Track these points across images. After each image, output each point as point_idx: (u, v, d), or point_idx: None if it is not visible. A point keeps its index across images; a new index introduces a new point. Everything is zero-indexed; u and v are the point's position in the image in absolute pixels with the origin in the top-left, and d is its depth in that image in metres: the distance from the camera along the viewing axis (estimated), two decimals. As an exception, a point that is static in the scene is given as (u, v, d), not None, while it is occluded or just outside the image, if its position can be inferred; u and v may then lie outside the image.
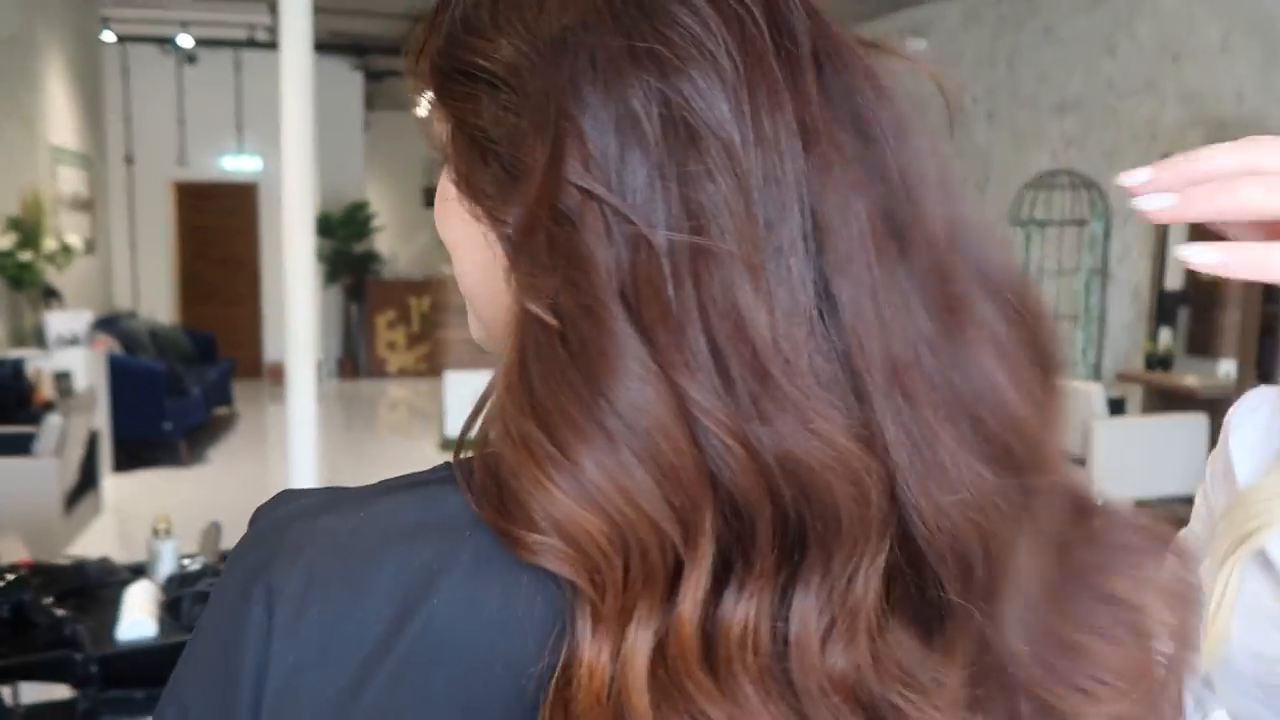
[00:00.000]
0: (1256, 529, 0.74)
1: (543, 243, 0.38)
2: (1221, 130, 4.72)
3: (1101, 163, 5.58)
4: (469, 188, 0.43)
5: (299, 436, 4.27)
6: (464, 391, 6.89)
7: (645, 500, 0.36)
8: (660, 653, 0.37)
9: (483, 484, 0.40)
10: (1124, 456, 4.26)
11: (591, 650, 0.37)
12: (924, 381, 0.38)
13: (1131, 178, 0.41)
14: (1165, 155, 3.83)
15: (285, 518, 0.42)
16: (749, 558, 0.37)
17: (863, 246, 0.38)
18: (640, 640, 0.37)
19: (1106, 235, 5.59)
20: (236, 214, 9.60)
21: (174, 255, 9.54)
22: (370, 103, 10.31)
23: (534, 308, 0.38)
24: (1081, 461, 4.37)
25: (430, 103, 0.45)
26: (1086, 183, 5.58)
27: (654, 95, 0.38)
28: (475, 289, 0.46)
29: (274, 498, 0.44)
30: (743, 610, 0.37)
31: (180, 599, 1.54)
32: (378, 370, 10.14)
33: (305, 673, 0.39)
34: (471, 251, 0.44)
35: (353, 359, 10.05)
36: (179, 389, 6.49)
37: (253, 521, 0.44)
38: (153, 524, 1.75)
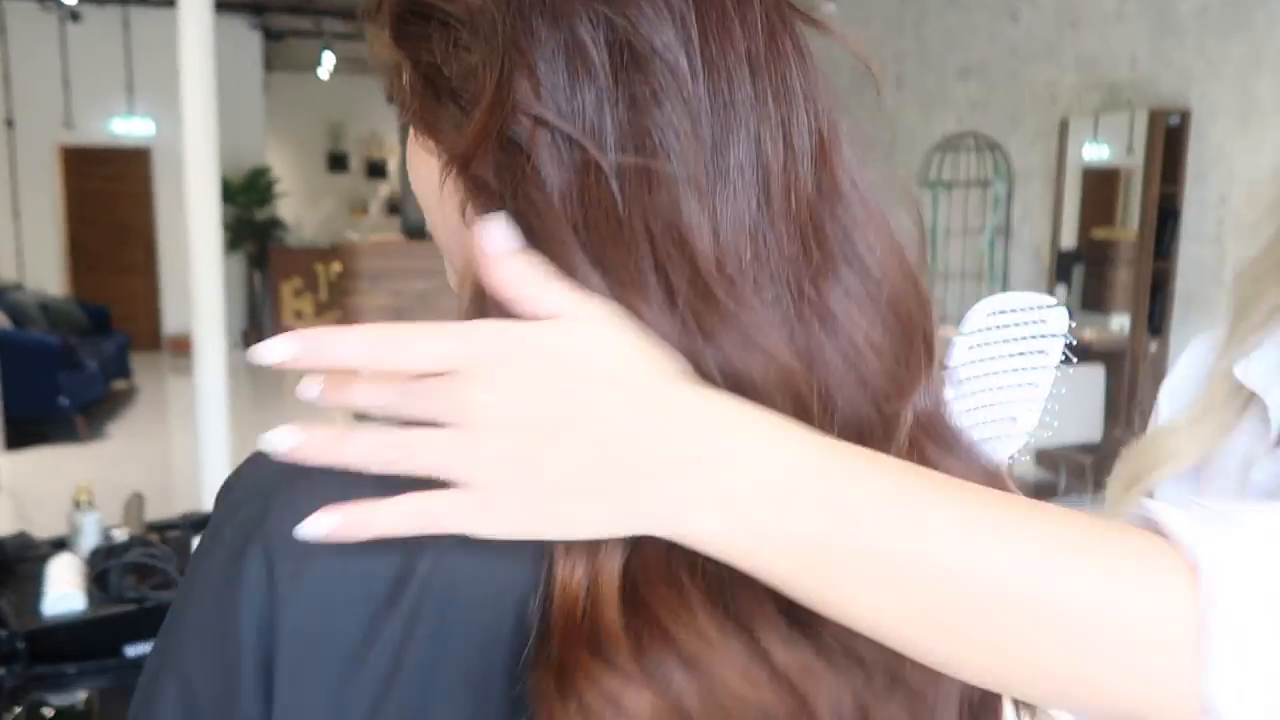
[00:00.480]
0: (1148, 469, 0.79)
1: (493, 173, 0.39)
2: (1115, 94, 4.91)
3: (1005, 126, 5.75)
4: (425, 127, 0.43)
5: (209, 410, 4.15)
6: (378, 360, 6.73)
7: None
8: (629, 569, 0.38)
9: None
10: (1028, 409, 4.43)
11: (565, 568, 0.38)
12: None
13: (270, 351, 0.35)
14: (1064, 119, 3.94)
15: (272, 474, 0.41)
16: None
17: (794, 180, 0.40)
18: (609, 556, 0.38)
19: (1009, 196, 5.78)
20: (129, 179, 9.18)
21: (62, 223, 9.08)
22: (269, 64, 9.93)
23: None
24: (988, 415, 4.54)
25: (389, 47, 0.45)
26: (990, 145, 5.74)
27: (600, 22, 0.38)
28: (443, 235, 0.45)
29: (249, 460, 0.43)
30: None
31: (108, 571, 1.49)
32: (285, 340, 9.88)
33: (316, 625, 0.38)
34: (437, 196, 0.44)
35: (258, 329, 9.76)
36: (74, 363, 6.21)
37: (230, 487, 0.43)
38: (73, 496, 1.68)
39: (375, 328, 0.36)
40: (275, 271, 9.74)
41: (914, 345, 0.43)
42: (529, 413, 0.34)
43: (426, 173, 0.44)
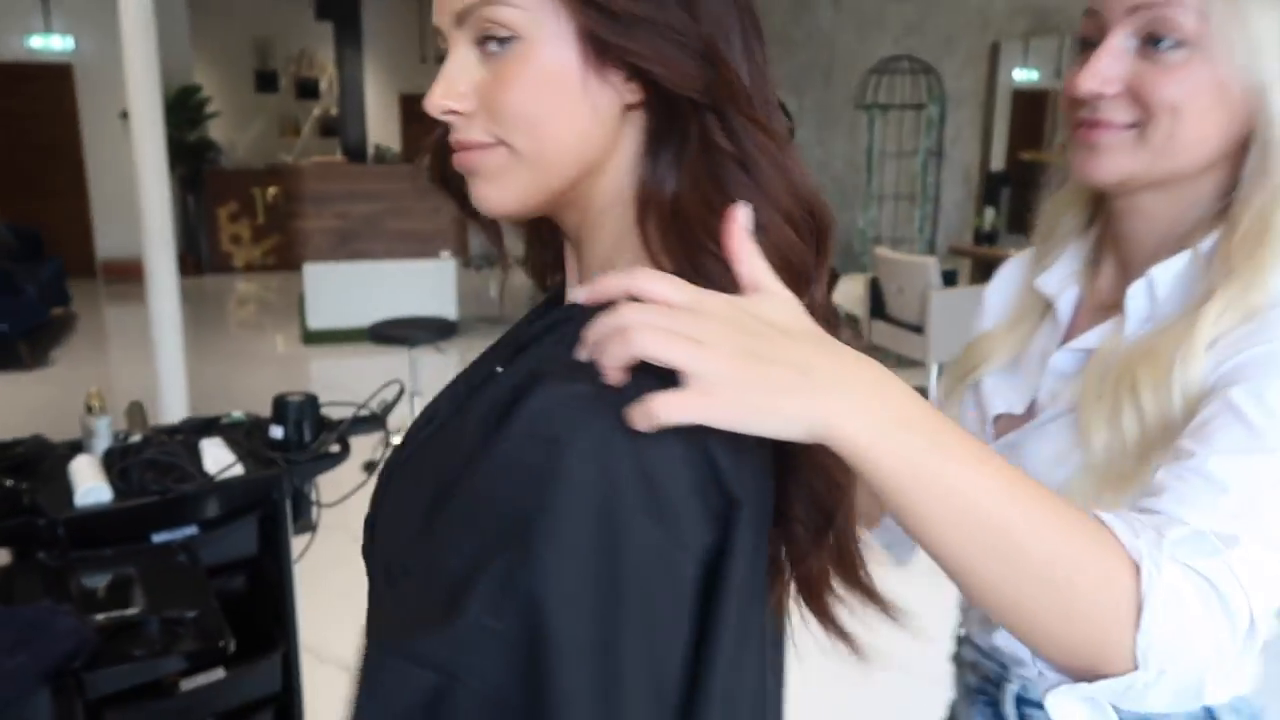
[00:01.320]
0: (975, 365, 0.98)
1: (700, 91, 0.59)
2: (1044, 18, 5.09)
3: (939, 49, 5.90)
4: (631, 50, 0.58)
5: (164, 334, 4.18)
6: (325, 284, 6.71)
7: (794, 237, 0.61)
8: None
9: None
10: (956, 323, 4.70)
11: None
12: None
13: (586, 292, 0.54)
14: (995, 43, 4.07)
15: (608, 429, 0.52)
16: (820, 267, 0.62)
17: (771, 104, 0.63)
18: None
19: (942, 118, 5.96)
20: (51, 99, 8.88)
21: (-20, 145, 8.78)
22: (193, -22, 9.59)
23: (720, 140, 0.59)
24: (920, 329, 4.80)
25: None
26: (925, 68, 5.90)
27: (745, 12, 0.61)
28: (562, 155, 0.60)
29: (577, 418, 0.50)
30: (818, 293, 0.62)
31: (128, 467, 1.61)
32: (222, 266, 9.75)
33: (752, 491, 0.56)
34: (568, 121, 0.59)
35: (195, 254, 9.61)
36: (12, 288, 6.13)
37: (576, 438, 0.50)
38: (85, 401, 1.79)
39: (661, 276, 0.52)
40: (210, 195, 9.56)
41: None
42: (743, 343, 0.50)
43: (554, 98, 0.58)
